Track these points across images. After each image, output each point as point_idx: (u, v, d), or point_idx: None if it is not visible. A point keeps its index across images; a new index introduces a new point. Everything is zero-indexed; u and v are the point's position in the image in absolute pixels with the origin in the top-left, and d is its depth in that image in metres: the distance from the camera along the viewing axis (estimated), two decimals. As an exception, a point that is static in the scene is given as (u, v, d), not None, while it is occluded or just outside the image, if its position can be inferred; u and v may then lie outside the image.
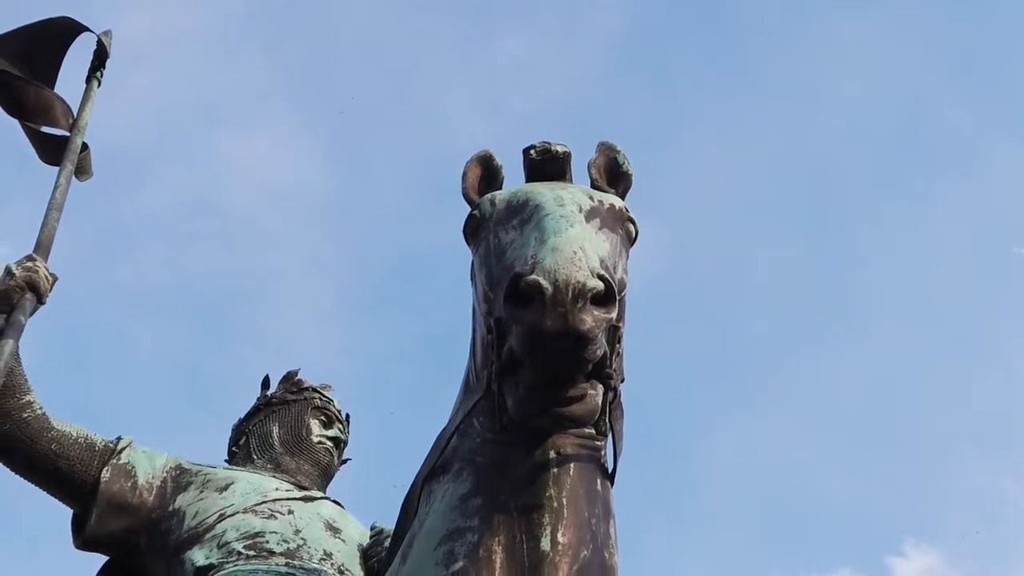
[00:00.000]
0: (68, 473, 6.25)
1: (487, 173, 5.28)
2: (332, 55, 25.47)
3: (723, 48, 26.58)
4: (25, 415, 6.12)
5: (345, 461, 7.36)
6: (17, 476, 6.32)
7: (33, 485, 6.34)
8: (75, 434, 6.32)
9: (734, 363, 26.35)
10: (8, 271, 6.14)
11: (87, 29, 7.54)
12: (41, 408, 6.21)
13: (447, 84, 25.78)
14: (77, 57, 7.58)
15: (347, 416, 7.42)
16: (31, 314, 6.11)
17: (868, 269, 26.56)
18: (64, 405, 6.39)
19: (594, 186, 5.15)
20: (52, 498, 6.42)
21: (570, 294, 4.19)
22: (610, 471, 4.89)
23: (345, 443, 7.32)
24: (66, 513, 6.44)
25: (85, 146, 7.35)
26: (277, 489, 6.47)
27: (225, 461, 7.13)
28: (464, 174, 5.28)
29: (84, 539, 6.29)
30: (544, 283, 4.21)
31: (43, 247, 6.45)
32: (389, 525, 5.67)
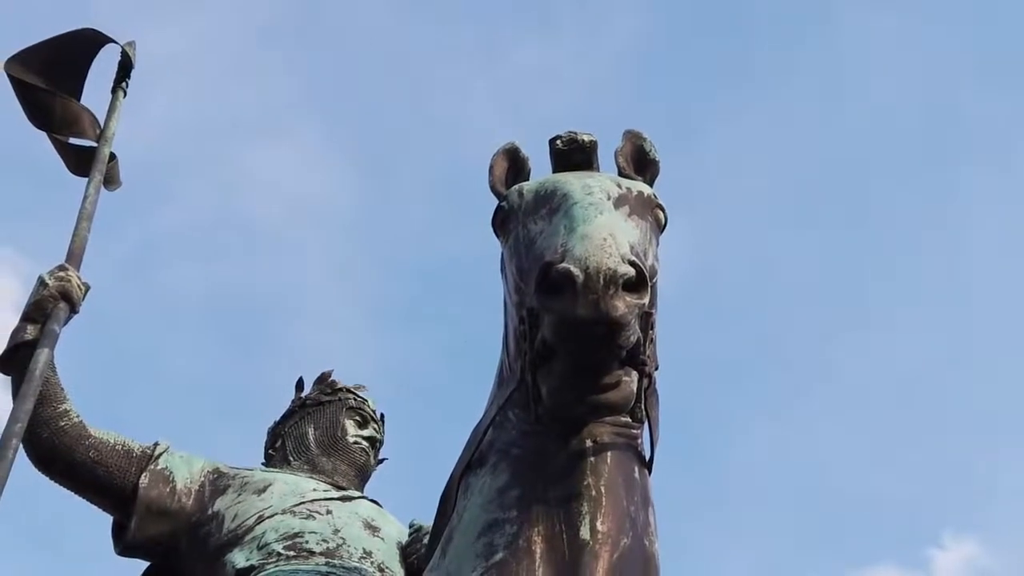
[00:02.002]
0: (107, 480, 6.28)
1: (514, 166, 5.27)
2: (354, 67, 25.57)
3: (745, 45, 26.51)
4: (62, 423, 6.17)
5: (382, 461, 7.37)
6: (58, 485, 6.37)
7: (73, 493, 6.38)
8: (112, 441, 6.36)
9: (765, 362, 26.28)
10: (41, 281, 6.19)
11: (111, 40, 7.58)
12: (78, 416, 6.25)
13: (469, 92, 25.82)
14: (102, 69, 7.64)
15: (382, 416, 7.43)
16: (65, 323, 6.16)
17: (898, 262, 26.42)
18: (97, 422, 6.43)
19: (622, 174, 5.13)
20: (99, 512, 6.48)
21: (601, 281, 4.18)
22: (647, 459, 4.87)
23: (381, 442, 7.33)
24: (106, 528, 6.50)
25: (113, 156, 7.40)
26: (315, 490, 6.49)
27: (262, 464, 7.16)
28: (491, 167, 5.26)
29: (125, 545, 6.33)
30: (575, 271, 4.20)
31: (74, 256, 6.50)
32: (427, 522, 5.66)
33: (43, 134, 7.50)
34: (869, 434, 25.91)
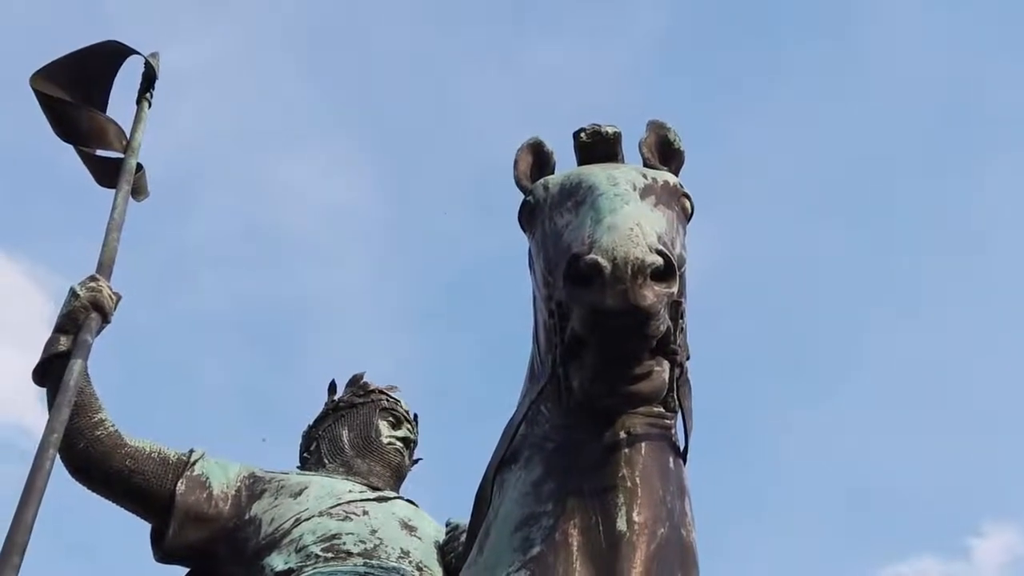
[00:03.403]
0: (144, 488, 6.31)
1: (538, 160, 5.25)
2: (378, 74, 25.62)
3: (766, 36, 26.40)
4: (98, 433, 6.21)
5: (416, 461, 7.38)
6: (94, 494, 6.40)
7: (110, 502, 6.42)
8: (148, 449, 6.39)
9: (797, 354, 26.17)
10: (73, 292, 6.24)
11: (135, 52, 7.62)
12: (113, 425, 6.29)
13: (490, 96, 25.82)
14: (126, 81, 7.68)
15: (415, 416, 7.44)
16: (97, 333, 6.20)
17: (928, 249, 26.26)
18: (132, 431, 6.46)
19: (647, 165, 5.11)
20: (133, 520, 6.51)
21: (629, 271, 4.16)
22: (682, 449, 4.86)
23: (415, 443, 7.34)
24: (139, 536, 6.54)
25: (140, 167, 7.45)
26: (351, 491, 6.50)
27: (297, 467, 7.18)
28: (515, 162, 5.25)
29: (164, 552, 6.36)
30: (603, 262, 4.18)
31: (105, 267, 6.54)
32: (464, 520, 5.67)
33: (71, 150, 7.55)
34: (903, 425, 25.81)
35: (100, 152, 7.52)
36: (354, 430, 7.12)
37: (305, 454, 7.24)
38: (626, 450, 4.62)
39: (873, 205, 26.12)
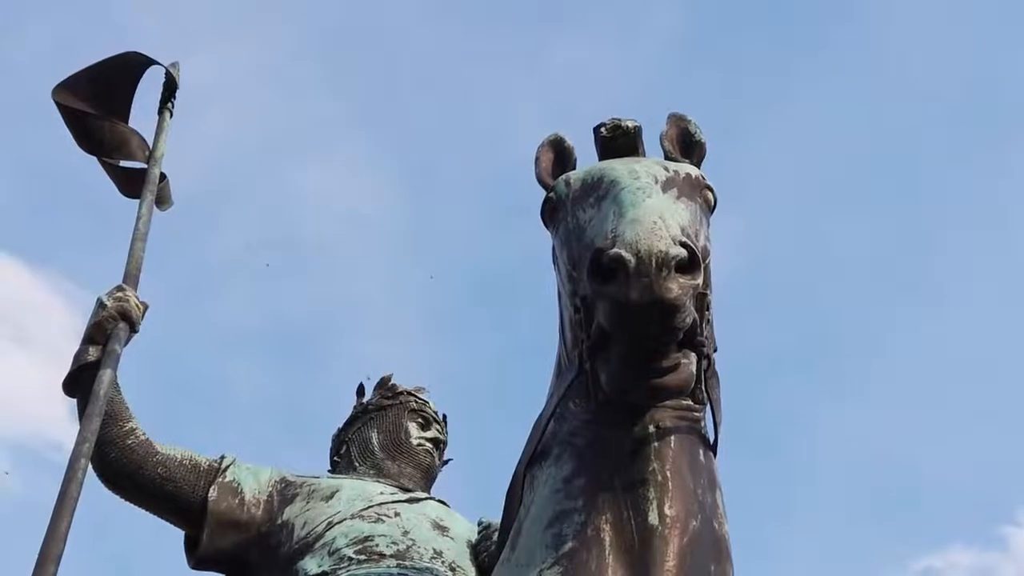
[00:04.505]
0: (176, 496, 6.34)
1: (559, 156, 5.25)
2: (396, 78, 25.61)
3: (786, 30, 26.29)
4: (129, 442, 6.24)
5: (447, 461, 7.39)
6: (129, 503, 6.43)
7: (143, 510, 6.45)
8: (179, 456, 6.42)
9: (824, 349, 26.05)
10: (100, 303, 6.27)
11: (155, 62, 7.64)
12: (144, 434, 6.32)
13: (511, 98, 25.80)
14: (147, 91, 7.71)
15: (444, 416, 7.44)
16: (126, 343, 6.23)
17: (951, 240, 26.08)
18: (162, 441, 6.48)
19: (668, 158, 5.09)
20: (163, 526, 6.54)
21: (654, 264, 4.15)
22: (712, 441, 4.84)
23: (444, 443, 7.35)
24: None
25: (163, 176, 7.48)
26: (382, 493, 6.51)
27: (328, 471, 7.19)
28: (536, 159, 5.25)
29: (198, 558, 6.38)
30: (627, 255, 4.17)
31: (131, 277, 6.57)
32: (496, 519, 5.66)
33: (94, 162, 7.59)
34: (935, 414, 25.64)
35: (123, 163, 7.56)
36: (383, 432, 7.13)
37: (335, 457, 7.26)
38: (656, 444, 4.61)
39: (898, 196, 25.97)
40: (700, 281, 4.34)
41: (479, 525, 6.46)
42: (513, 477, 5.09)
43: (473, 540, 6.39)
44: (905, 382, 25.80)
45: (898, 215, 25.90)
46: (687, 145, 5.16)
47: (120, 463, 6.23)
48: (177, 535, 6.54)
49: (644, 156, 5.14)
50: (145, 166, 7.41)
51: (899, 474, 24.94)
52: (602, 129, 5.19)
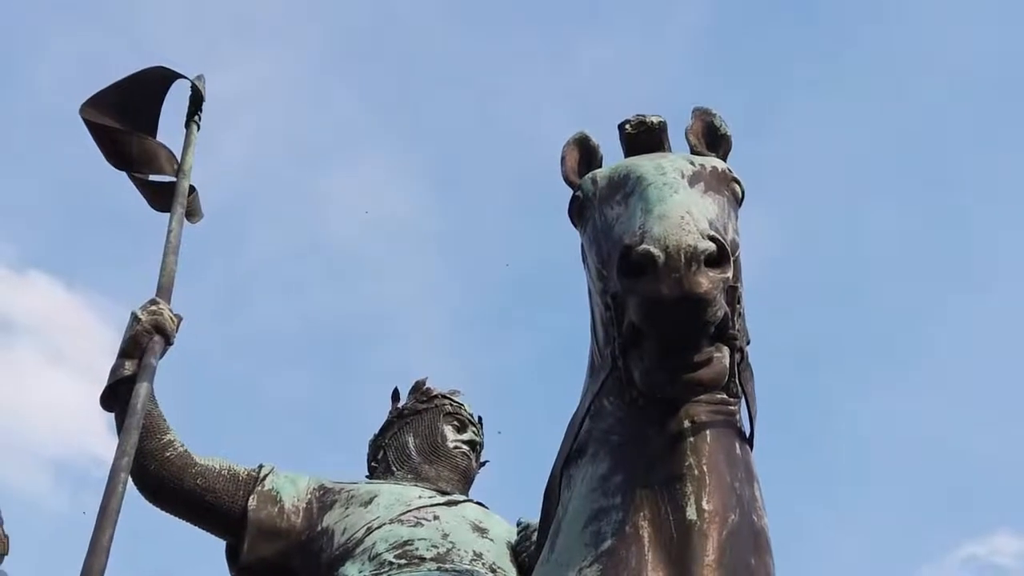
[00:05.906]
0: (216, 506, 6.38)
1: (585, 154, 5.24)
2: (422, 83, 25.67)
3: (813, 19, 26.16)
4: (168, 454, 6.28)
5: (484, 464, 7.40)
6: (169, 515, 6.48)
7: (184, 521, 6.49)
8: (218, 467, 6.46)
9: (866, 338, 25.92)
10: (134, 317, 6.31)
11: (181, 75, 7.69)
12: (183, 445, 6.37)
13: (538, 99, 25.80)
14: (173, 105, 7.76)
15: (479, 419, 7.46)
16: (161, 356, 6.28)
17: (988, 225, 25.88)
18: (200, 452, 6.53)
19: (694, 152, 5.09)
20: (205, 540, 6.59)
21: (683, 259, 4.13)
22: (748, 434, 4.82)
23: (481, 446, 7.36)
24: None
25: (192, 189, 7.54)
26: (420, 497, 6.52)
27: (365, 477, 7.22)
28: (562, 158, 5.25)
29: (239, 568, 6.42)
30: (655, 251, 4.16)
31: (164, 290, 6.62)
32: (535, 520, 5.66)
33: (123, 179, 7.65)
34: (977, 400, 25.49)
35: (153, 177, 7.61)
36: (420, 436, 7.15)
37: (372, 463, 7.28)
38: (691, 439, 4.59)
39: (929, 183, 25.79)
40: (730, 274, 4.31)
41: (518, 526, 6.47)
42: (550, 476, 5.08)
43: (512, 541, 6.39)
44: (947, 369, 25.66)
45: (934, 201, 25.77)
46: (712, 139, 5.14)
47: (159, 475, 6.28)
48: (218, 545, 6.59)
49: (670, 152, 5.14)
50: (174, 179, 7.46)
51: (945, 461, 24.80)
52: (627, 126, 5.17)
